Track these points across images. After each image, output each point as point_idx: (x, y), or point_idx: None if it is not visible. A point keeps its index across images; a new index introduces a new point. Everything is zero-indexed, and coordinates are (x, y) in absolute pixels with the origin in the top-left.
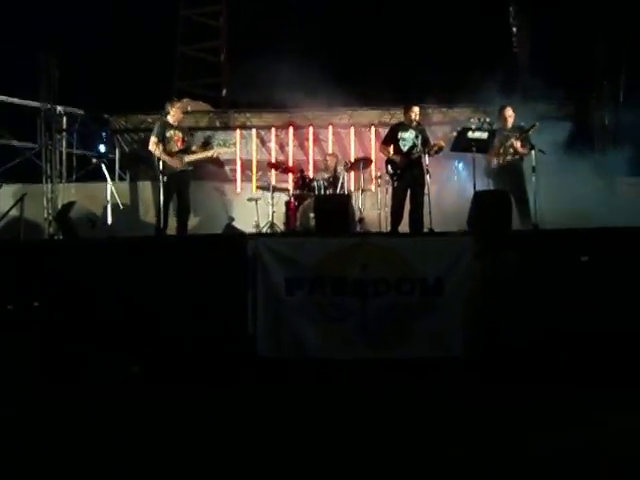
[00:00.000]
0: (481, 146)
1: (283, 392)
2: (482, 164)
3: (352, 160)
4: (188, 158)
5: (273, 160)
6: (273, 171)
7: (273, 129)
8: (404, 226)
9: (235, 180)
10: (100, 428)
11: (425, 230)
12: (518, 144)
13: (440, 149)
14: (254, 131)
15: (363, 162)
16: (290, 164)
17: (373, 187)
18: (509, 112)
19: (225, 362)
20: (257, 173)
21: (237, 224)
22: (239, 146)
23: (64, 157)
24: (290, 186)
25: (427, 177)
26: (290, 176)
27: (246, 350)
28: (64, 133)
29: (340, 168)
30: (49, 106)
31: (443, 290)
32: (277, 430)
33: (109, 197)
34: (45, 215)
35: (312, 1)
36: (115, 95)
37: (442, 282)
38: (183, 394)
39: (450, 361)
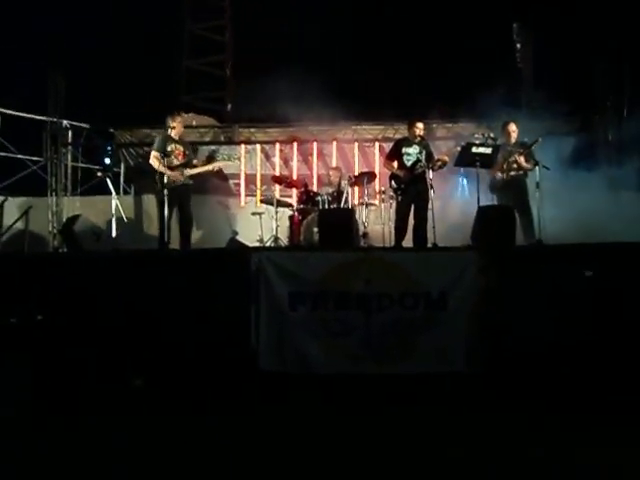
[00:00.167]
0: (485, 161)
1: (286, 407)
2: (486, 179)
3: (356, 175)
4: (189, 172)
5: (277, 174)
6: (277, 185)
7: (277, 144)
8: (408, 241)
9: (239, 194)
10: (100, 443)
11: (429, 245)
12: (522, 159)
13: (444, 164)
14: (258, 146)
15: (367, 177)
16: (294, 178)
17: (377, 202)
18: (513, 127)
19: (228, 376)
20: (261, 187)
21: (241, 238)
22: (243, 160)
23: (69, 170)
24: (294, 200)
25: (431, 192)
26: (294, 190)
27: (249, 364)
28: (69, 147)
29: (344, 183)
30: (55, 120)
31: (447, 305)
32: (280, 445)
33: (114, 210)
34: (50, 228)
35: (315, 17)
36: (120, 109)
37: (446, 297)
38: (187, 409)
39: (454, 376)
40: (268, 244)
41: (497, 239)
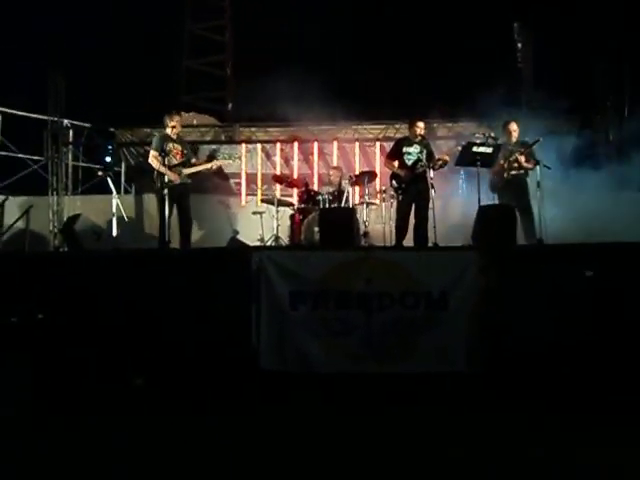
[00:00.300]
0: (486, 160)
1: (287, 407)
2: (487, 179)
3: (357, 174)
4: (187, 171)
5: (278, 174)
6: (278, 185)
7: (278, 143)
8: (409, 240)
9: (240, 193)
10: (100, 443)
11: (430, 244)
12: (522, 159)
13: (444, 163)
14: (259, 145)
15: (368, 176)
16: (295, 178)
17: (378, 201)
18: (513, 127)
19: (228, 376)
20: (262, 187)
21: (242, 237)
22: (244, 160)
23: (70, 170)
24: (295, 200)
25: (432, 191)
26: (295, 190)
27: (249, 364)
28: (70, 146)
29: (345, 182)
30: (56, 119)
31: (447, 304)
32: (281, 445)
33: (114, 210)
34: (50, 227)
35: (315, 17)
36: (121, 108)
37: (446, 296)
38: (187, 409)
39: (454, 375)
40: (269, 243)
41: (498, 239)
